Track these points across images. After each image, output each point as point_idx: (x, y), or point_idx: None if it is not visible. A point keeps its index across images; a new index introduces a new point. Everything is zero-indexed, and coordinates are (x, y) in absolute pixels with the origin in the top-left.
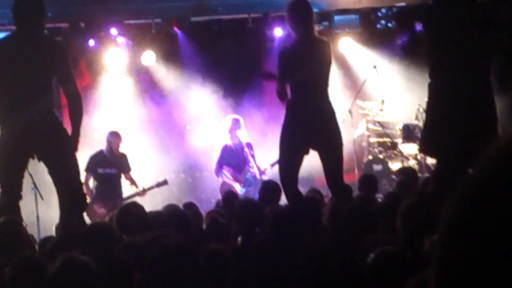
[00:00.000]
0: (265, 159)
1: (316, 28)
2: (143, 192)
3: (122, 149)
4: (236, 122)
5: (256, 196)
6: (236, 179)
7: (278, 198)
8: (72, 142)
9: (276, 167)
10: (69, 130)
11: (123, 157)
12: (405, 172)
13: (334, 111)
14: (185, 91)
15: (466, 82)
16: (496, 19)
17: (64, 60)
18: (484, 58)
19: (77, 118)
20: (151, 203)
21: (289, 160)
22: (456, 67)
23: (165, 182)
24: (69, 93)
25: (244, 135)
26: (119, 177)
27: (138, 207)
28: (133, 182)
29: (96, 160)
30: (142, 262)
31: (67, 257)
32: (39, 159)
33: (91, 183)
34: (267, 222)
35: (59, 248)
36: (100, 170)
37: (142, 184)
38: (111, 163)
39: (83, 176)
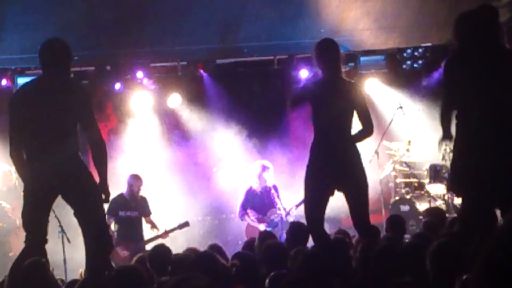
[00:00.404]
0: (292, 201)
1: (342, 69)
2: (165, 234)
3: (148, 191)
4: (264, 168)
5: (283, 237)
6: (260, 221)
7: (306, 239)
8: (101, 191)
9: (302, 208)
10: (94, 175)
11: (144, 200)
12: (433, 212)
13: (358, 152)
14: (211, 133)
15: (495, 122)
16: None
17: (87, 105)
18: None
19: (102, 165)
20: (174, 245)
21: (315, 202)
22: (484, 107)
23: (186, 224)
24: (92, 139)
25: (270, 178)
26: (141, 219)
27: (167, 250)
28: (153, 225)
29: (118, 203)
30: None
31: None
32: (65, 201)
33: (113, 226)
34: (295, 264)
35: None
36: (122, 213)
37: (165, 226)
38: (132, 206)
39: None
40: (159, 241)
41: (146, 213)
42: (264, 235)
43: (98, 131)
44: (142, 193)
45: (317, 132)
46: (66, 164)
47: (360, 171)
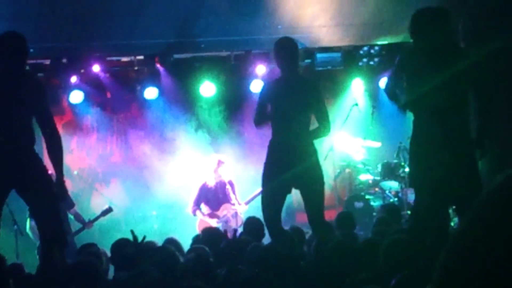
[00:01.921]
0: (246, 196)
1: (299, 66)
2: (90, 223)
3: (103, 185)
4: (219, 163)
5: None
6: (212, 216)
7: (261, 234)
8: (56, 186)
9: (256, 203)
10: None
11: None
12: (388, 209)
13: (315, 150)
14: (168, 127)
15: (445, 118)
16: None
17: (42, 98)
18: (463, 94)
19: (57, 159)
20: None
21: (272, 200)
22: (435, 103)
23: (109, 210)
24: (47, 133)
25: (226, 173)
26: (65, 213)
27: (128, 242)
28: (78, 217)
29: None
30: None
31: None
32: (20, 195)
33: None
34: (251, 260)
35: (40, 286)
36: None
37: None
38: None
39: None
40: (85, 231)
41: (69, 206)
42: (208, 230)
43: (54, 125)
44: (97, 186)
45: (275, 130)
46: (20, 158)
47: (316, 169)
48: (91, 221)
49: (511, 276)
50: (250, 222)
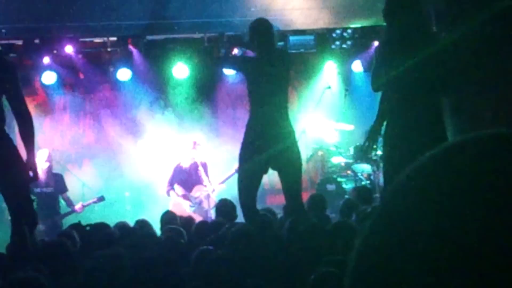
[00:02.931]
0: (219, 176)
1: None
2: (81, 208)
3: (77, 167)
4: (194, 144)
5: (208, 213)
6: (185, 198)
7: (234, 216)
8: (28, 167)
9: (228, 184)
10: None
11: (59, 176)
12: (360, 191)
13: (293, 130)
14: (140, 109)
15: (417, 101)
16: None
17: (13, 78)
18: (434, 78)
19: (29, 140)
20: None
21: (249, 182)
22: (406, 86)
23: (102, 198)
24: (18, 113)
25: (200, 155)
26: (56, 196)
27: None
28: (69, 203)
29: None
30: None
31: (19, 276)
32: None
33: None
34: (224, 240)
35: (10, 266)
36: (37, 190)
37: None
38: (47, 182)
39: None
40: (75, 215)
41: (62, 190)
42: (166, 215)
43: (24, 105)
44: (70, 167)
45: (252, 111)
46: None
47: (294, 150)
48: (84, 206)
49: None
50: (223, 204)
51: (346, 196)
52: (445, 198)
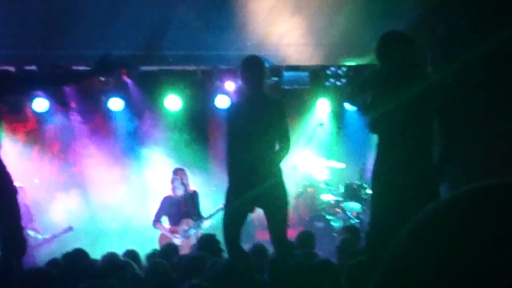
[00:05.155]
0: (209, 210)
1: (265, 85)
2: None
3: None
4: (179, 173)
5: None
6: (172, 232)
7: (218, 250)
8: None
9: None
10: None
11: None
12: (348, 230)
13: (280, 169)
14: (132, 139)
15: (407, 142)
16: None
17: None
18: (425, 118)
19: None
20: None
21: (234, 220)
22: (397, 125)
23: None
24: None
25: (188, 185)
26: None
27: (84, 255)
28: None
29: None
30: None
31: None
32: None
33: None
34: (208, 275)
35: None
36: None
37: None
38: None
39: None
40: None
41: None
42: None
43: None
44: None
45: (237, 148)
46: None
47: (280, 188)
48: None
49: None
50: (204, 239)
51: (334, 234)
52: (446, 260)
